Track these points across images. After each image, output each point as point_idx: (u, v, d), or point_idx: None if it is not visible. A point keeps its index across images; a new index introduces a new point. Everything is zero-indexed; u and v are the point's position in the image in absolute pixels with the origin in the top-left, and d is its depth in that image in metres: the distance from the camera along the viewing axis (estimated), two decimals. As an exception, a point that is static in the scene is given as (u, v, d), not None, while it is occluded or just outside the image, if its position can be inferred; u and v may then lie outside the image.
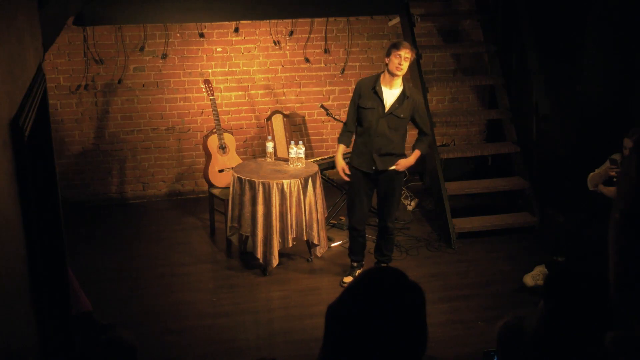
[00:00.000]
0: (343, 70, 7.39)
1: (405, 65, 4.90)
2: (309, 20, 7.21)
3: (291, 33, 7.23)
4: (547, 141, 6.56)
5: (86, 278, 4.87)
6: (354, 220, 5.30)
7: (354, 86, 5.38)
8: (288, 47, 7.26)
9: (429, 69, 7.40)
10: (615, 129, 5.28)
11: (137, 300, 5.21)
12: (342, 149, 5.25)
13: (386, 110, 4.99)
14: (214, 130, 6.34)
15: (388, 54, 4.93)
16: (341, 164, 5.23)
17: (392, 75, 4.93)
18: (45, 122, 3.03)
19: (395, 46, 4.89)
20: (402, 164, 5.13)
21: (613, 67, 5.96)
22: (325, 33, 7.31)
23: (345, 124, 5.27)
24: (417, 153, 5.21)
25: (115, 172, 7.20)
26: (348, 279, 5.39)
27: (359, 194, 5.21)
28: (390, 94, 4.99)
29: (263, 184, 5.33)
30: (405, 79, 5.10)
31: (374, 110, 4.99)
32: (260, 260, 5.43)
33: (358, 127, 5.15)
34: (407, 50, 4.87)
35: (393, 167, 5.13)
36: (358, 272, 5.43)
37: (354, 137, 5.24)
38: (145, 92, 7.06)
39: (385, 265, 5.43)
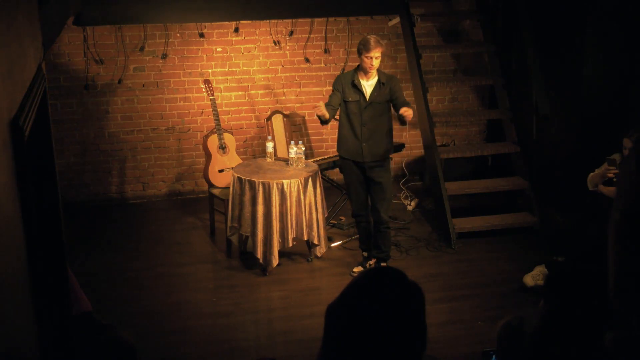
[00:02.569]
0: (343, 70, 7.39)
1: (377, 63, 5.11)
2: (309, 20, 7.21)
3: (291, 33, 7.23)
4: (547, 141, 6.56)
5: (86, 278, 4.88)
6: (354, 206, 5.48)
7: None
8: (288, 47, 7.26)
9: (429, 69, 7.40)
10: (615, 129, 5.28)
11: (137, 300, 5.21)
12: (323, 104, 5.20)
13: (367, 99, 5.20)
14: (214, 130, 6.34)
15: (359, 54, 5.13)
16: (319, 104, 5.16)
17: (366, 73, 5.16)
18: (45, 122, 3.02)
19: (366, 48, 5.06)
20: (408, 113, 5.07)
21: (613, 67, 5.96)
22: (325, 33, 7.31)
23: (327, 103, 5.24)
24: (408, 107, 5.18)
25: (115, 172, 7.20)
26: (358, 269, 5.57)
27: (353, 181, 5.38)
28: (368, 84, 5.22)
29: (263, 184, 5.33)
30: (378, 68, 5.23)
31: (357, 102, 5.21)
32: (260, 260, 5.43)
33: (343, 119, 5.32)
34: (377, 50, 5.07)
35: (403, 112, 5.07)
36: (369, 262, 5.57)
37: (338, 129, 5.41)
38: (145, 92, 7.06)
39: (384, 264, 5.44)
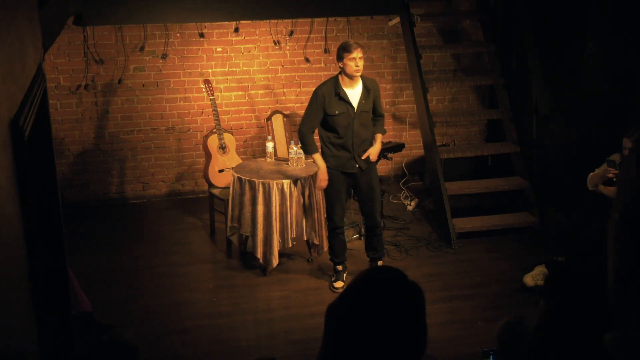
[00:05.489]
0: (343, 70, 7.39)
1: (361, 64, 4.88)
2: (309, 20, 7.21)
3: (291, 33, 7.23)
4: (547, 141, 6.56)
5: (86, 278, 4.88)
6: (336, 218, 5.21)
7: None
8: (288, 47, 7.26)
9: (429, 69, 7.40)
10: (615, 129, 5.28)
11: (137, 300, 5.21)
12: (319, 156, 5.06)
13: (356, 110, 4.98)
14: (214, 130, 6.34)
15: (340, 58, 4.88)
16: (325, 175, 5.03)
17: (352, 77, 4.92)
18: (45, 122, 3.03)
19: (347, 50, 4.84)
20: (373, 153, 5.06)
21: (613, 67, 5.96)
22: (325, 33, 7.31)
23: (304, 130, 5.05)
24: (379, 137, 5.15)
25: (115, 172, 7.20)
26: (339, 284, 5.33)
27: (339, 193, 5.15)
28: (354, 93, 4.98)
29: (263, 184, 5.33)
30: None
31: (345, 114, 4.96)
32: (260, 260, 5.43)
33: (328, 132, 5.06)
34: (359, 50, 4.86)
35: (366, 157, 5.03)
36: (345, 275, 5.39)
37: (323, 142, 5.13)
38: (145, 92, 7.07)
39: (382, 263, 5.44)
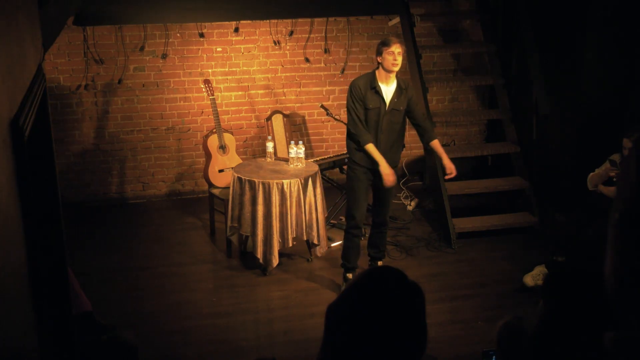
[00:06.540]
0: (343, 70, 7.39)
1: (400, 60, 4.86)
2: (309, 20, 7.21)
3: (291, 33, 7.23)
4: (547, 141, 6.57)
5: (86, 278, 4.88)
6: (358, 217, 5.13)
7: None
8: (288, 47, 7.26)
9: (429, 69, 7.40)
10: (615, 129, 5.28)
11: (137, 300, 5.21)
12: (373, 147, 4.94)
13: (387, 107, 4.96)
14: (214, 130, 6.34)
15: (379, 53, 4.87)
16: (389, 170, 4.93)
17: (389, 72, 4.89)
18: (45, 122, 3.02)
19: (386, 44, 4.83)
20: (452, 168, 5.07)
21: (613, 67, 5.96)
22: (325, 33, 7.31)
23: (358, 126, 4.95)
24: (438, 144, 5.15)
25: (115, 172, 7.21)
26: None
27: (364, 191, 5.12)
28: (389, 90, 4.96)
29: (263, 184, 5.33)
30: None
31: (377, 109, 4.95)
32: (260, 260, 5.43)
33: None
34: (398, 45, 4.84)
35: (449, 176, 5.10)
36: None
37: (352, 136, 5.09)
38: (145, 92, 7.07)
39: (381, 263, 5.44)
